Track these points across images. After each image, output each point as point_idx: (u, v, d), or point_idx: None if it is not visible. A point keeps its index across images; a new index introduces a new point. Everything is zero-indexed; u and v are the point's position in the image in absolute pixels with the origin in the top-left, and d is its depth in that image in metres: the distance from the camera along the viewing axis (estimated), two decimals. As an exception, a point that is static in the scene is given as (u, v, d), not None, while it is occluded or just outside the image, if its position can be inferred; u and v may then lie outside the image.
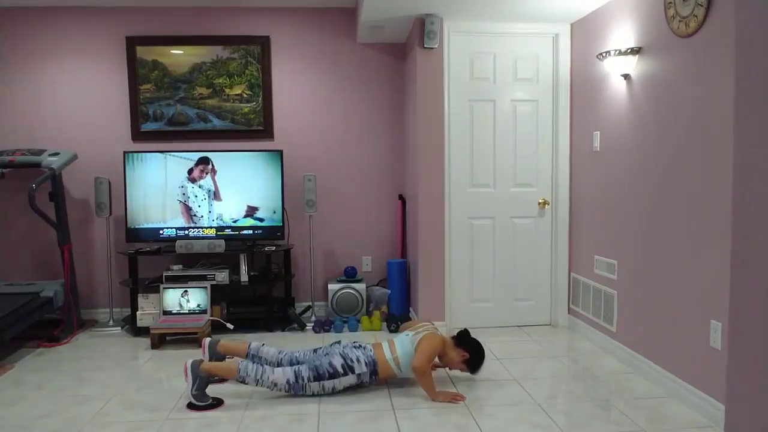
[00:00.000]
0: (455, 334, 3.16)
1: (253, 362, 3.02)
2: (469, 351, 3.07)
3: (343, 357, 2.97)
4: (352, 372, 2.96)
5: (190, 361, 2.92)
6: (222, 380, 3.18)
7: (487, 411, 2.82)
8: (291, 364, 3.08)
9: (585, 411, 2.82)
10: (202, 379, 2.89)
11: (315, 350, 3.12)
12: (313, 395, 2.98)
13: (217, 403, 2.91)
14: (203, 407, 2.87)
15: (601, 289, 3.75)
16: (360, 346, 3.05)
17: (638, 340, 3.33)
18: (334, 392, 2.99)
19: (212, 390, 2.97)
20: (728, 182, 2.53)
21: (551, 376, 3.29)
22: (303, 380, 2.92)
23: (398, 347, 3.04)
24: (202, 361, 2.98)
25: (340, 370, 2.94)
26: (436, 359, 3.11)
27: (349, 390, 3.06)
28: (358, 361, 2.97)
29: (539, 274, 4.29)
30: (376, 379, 3.03)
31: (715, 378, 2.65)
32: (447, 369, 3.38)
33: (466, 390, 3.07)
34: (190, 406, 2.88)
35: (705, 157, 2.72)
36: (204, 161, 4.32)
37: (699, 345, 2.78)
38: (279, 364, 3.09)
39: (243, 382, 2.93)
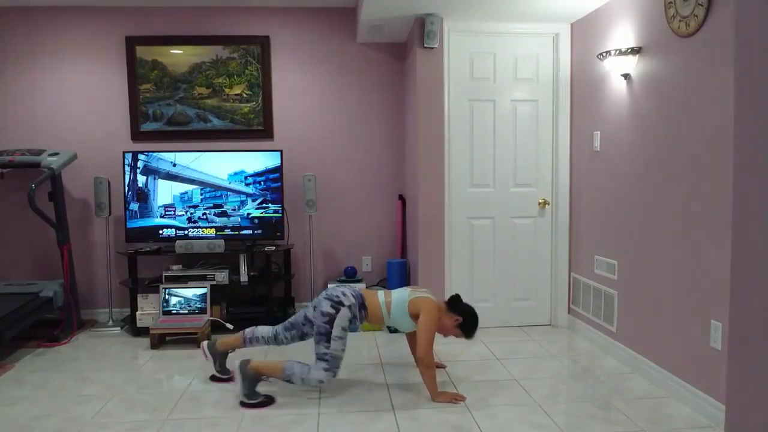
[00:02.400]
0: (447, 299, 3.15)
1: (299, 363, 2.99)
2: (462, 315, 3.06)
3: (329, 298, 2.99)
4: (342, 306, 2.96)
5: (237, 361, 2.96)
6: (229, 379, 3.21)
7: (487, 411, 2.82)
8: (286, 329, 3.14)
9: (585, 411, 2.82)
10: (251, 378, 2.92)
11: (305, 314, 3.10)
12: (344, 350, 2.97)
13: (269, 400, 2.94)
14: (255, 404, 2.90)
15: (601, 289, 3.75)
16: (344, 285, 3.12)
17: (638, 340, 3.33)
18: (348, 332, 2.99)
19: (219, 388, 2.98)
20: (728, 182, 2.53)
21: (551, 376, 3.29)
22: (328, 354, 2.91)
23: (394, 296, 3.10)
24: (249, 360, 3.00)
25: (332, 310, 2.95)
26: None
27: (351, 386, 3.06)
28: (344, 294, 3.01)
29: (539, 274, 4.29)
30: (366, 315, 3.05)
31: (715, 378, 2.65)
32: (447, 371, 3.38)
33: (467, 390, 3.07)
34: (243, 405, 2.91)
35: (705, 157, 2.72)
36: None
37: (699, 345, 2.78)
38: (275, 338, 3.15)
39: (289, 381, 2.95)
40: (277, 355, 3.57)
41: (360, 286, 3.10)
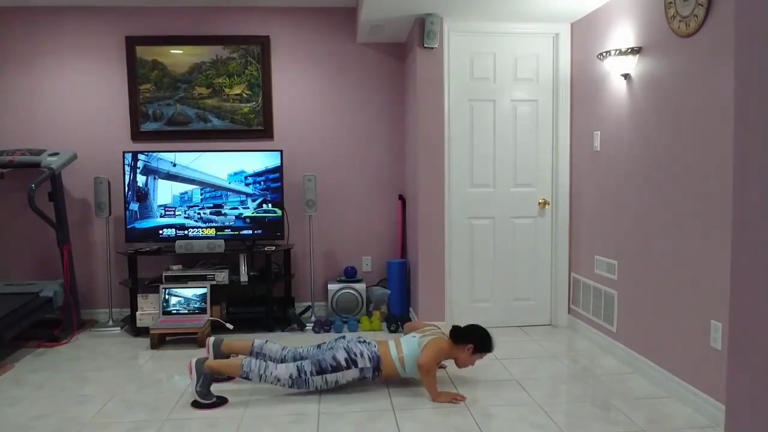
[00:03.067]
0: (449, 335, 3.10)
1: (257, 359, 3.02)
2: (471, 341, 3.05)
3: (347, 351, 2.97)
4: (355, 366, 2.95)
5: (194, 359, 2.93)
6: (228, 379, 3.19)
7: (487, 411, 2.82)
8: (294, 359, 3.09)
9: (585, 411, 2.82)
10: (206, 377, 2.90)
11: (319, 345, 3.12)
12: (316, 389, 2.99)
13: (221, 401, 2.92)
14: (208, 405, 2.88)
15: (601, 289, 3.75)
16: (365, 341, 3.05)
17: (638, 340, 3.33)
18: (337, 386, 2.99)
19: (216, 389, 2.98)
20: (728, 182, 2.53)
21: (551, 376, 3.29)
22: (306, 374, 2.92)
23: (405, 347, 3.04)
24: (206, 358, 2.99)
25: (343, 363, 2.94)
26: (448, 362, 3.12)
27: (351, 387, 3.07)
28: (362, 355, 2.97)
29: (539, 274, 4.29)
30: (379, 375, 3.03)
31: (715, 378, 2.65)
32: (447, 371, 3.38)
33: (467, 390, 3.07)
34: (195, 404, 2.89)
35: (705, 157, 2.72)
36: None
37: (699, 345, 2.78)
38: (282, 360, 3.11)
39: (247, 378, 2.94)
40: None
41: (377, 346, 3.05)
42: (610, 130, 3.60)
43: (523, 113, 4.19)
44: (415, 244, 4.24)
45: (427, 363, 2.91)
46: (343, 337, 3.10)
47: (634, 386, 3.12)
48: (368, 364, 2.97)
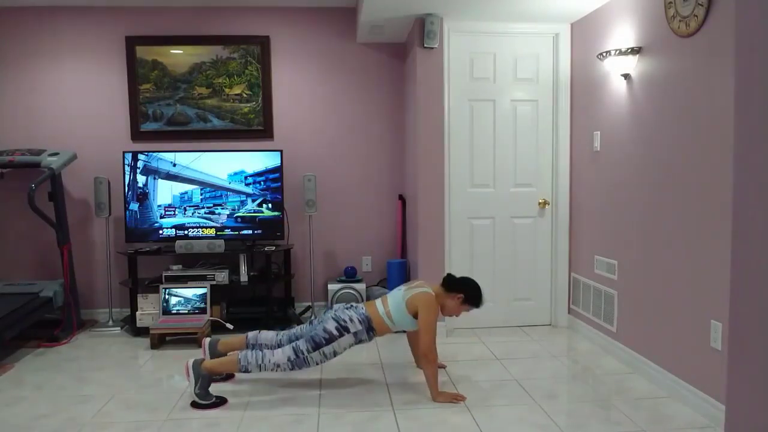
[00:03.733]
0: (442, 282, 3.13)
1: (253, 350, 3.03)
2: (462, 290, 3.07)
3: (336, 320, 2.97)
4: (347, 332, 2.95)
5: (191, 361, 2.93)
6: (226, 378, 3.20)
7: (487, 411, 2.82)
8: (290, 341, 3.10)
9: (585, 411, 2.82)
10: (204, 378, 2.89)
11: (310, 322, 3.12)
12: (317, 364, 2.99)
13: (220, 401, 2.92)
14: (207, 406, 2.88)
15: (601, 289, 3.75)
16: (352, 306, 3.07)
17: (638, 340, 3.33)
18: (336, 356, 2.99)
19: (216, 389, 2.98)
20: (728, 182, 2.53)
21: (551, 376, 3.29)
22: (303, 353, 2.92)
23: (390, 301, 3.07)
24: (203, 359, 2.99)
25: (335, 332, 2.94)
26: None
27: (351, 386, 3.06)
28: (351, 320, 2.97)
29: (539, 274, 4.29)
30: (374, 335, 3.04)
31: (715, 378, 2.65)
32: (448, 371, 3.38)
33: (467, 390, 3.07)
34: (195, 405, 2.89)
35: (705, 157, 2.72)
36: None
37: (699, 345, 2.78)
38: (279, 345, 3.11)
39: (246, 371, 2.94)
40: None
41: (364, 307, 3.07)
42: (610, 130, 3.60)
43: (523, 113, 4.19)
44: (415, 244, 4.24)
45: (429, 350, 2.91)
46: (331, 308, 3.10)
47: (634, 386, 3.12)
48: (360, 327, 2.98)
